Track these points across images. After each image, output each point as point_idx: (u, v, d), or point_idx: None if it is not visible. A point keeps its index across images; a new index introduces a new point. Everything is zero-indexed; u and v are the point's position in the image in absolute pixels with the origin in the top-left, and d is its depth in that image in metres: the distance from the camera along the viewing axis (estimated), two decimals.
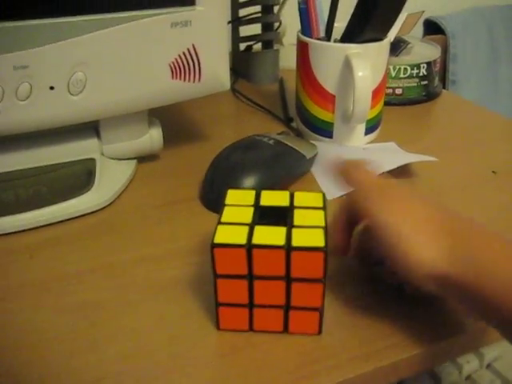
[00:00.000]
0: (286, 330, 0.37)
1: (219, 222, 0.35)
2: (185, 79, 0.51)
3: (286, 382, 0.34)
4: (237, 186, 0.49)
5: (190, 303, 0.40)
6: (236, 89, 0.78)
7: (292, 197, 0.38)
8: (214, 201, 0.50)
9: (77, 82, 0.47)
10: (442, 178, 0.56)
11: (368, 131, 0.62)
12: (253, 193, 0.39)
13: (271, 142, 0.53)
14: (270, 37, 0.81)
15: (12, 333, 0.37)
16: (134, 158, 0.57)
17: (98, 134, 0.54)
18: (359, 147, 0.61)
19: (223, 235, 0.34)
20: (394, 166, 0.54)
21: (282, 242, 0.33)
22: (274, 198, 0.38)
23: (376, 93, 0.59)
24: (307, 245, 0.33)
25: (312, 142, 0.60)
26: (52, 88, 0.46)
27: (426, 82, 0.74)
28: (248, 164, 0.51)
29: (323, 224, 0.35)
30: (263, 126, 0.68)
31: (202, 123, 0.68)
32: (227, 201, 0.38)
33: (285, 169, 0.52)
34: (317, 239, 0.34)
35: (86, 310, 0.39)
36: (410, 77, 0.73)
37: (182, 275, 0.42)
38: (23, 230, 0.47)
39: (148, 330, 0.37)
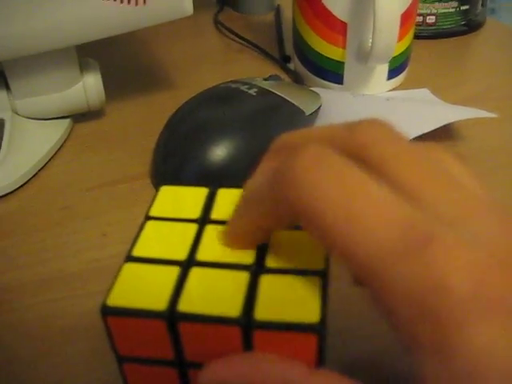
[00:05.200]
0: None
1: (127, 257, 0.19)
2: (122, 1, 0.34)
3: None
4: (200, 159, 0.33)
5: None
6: (219, 20, 0.60)
7: None
8: (167, 180, 0.34)
9: None
10: (493, 141, 0.40)
11: (392, 74, 0.46)
12: (203, 192, 0.22)
13: (253, 91, 0.37)
14: None
15: None
16: (67, 117, 0.41)
17: (6, 85, 0.38)
18: (381, 97, 0.44)
19: (126, 289, 0.18)
20: (439, 125, 0.37)
21: (236, 311, 0.17)
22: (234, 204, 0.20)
23: (404, 20, 0.42)
24: (285, 319, 0.16)
25: (313, 89, 0.43)
26: None
27: (466, 7, 0.56)
28: (218, 125, 0.35)
29: (322, 266, 0.18)
30: (253, 69, 0.51)
31: (168, 66, 0.51)
32: (153, 210, 0.21)
33: (274, 131, 0.36)
34: (307, 303, 0.17)
35: None
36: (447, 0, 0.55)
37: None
38: None
39: None
